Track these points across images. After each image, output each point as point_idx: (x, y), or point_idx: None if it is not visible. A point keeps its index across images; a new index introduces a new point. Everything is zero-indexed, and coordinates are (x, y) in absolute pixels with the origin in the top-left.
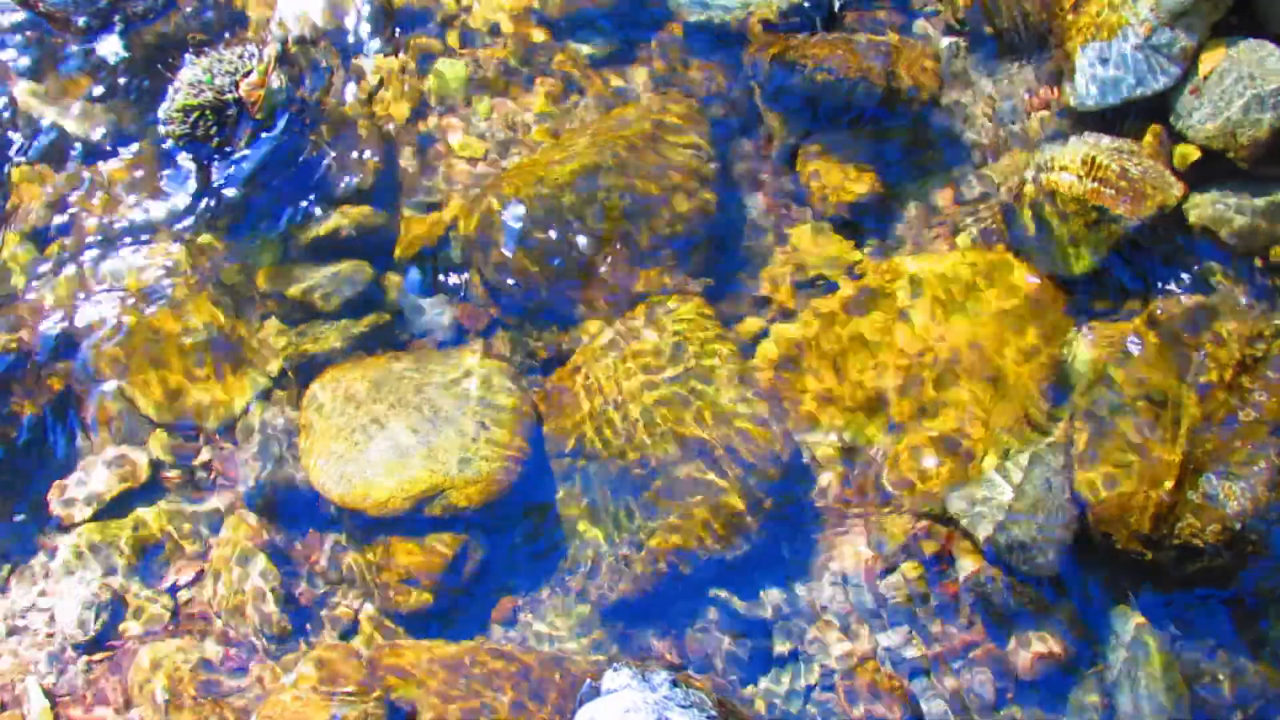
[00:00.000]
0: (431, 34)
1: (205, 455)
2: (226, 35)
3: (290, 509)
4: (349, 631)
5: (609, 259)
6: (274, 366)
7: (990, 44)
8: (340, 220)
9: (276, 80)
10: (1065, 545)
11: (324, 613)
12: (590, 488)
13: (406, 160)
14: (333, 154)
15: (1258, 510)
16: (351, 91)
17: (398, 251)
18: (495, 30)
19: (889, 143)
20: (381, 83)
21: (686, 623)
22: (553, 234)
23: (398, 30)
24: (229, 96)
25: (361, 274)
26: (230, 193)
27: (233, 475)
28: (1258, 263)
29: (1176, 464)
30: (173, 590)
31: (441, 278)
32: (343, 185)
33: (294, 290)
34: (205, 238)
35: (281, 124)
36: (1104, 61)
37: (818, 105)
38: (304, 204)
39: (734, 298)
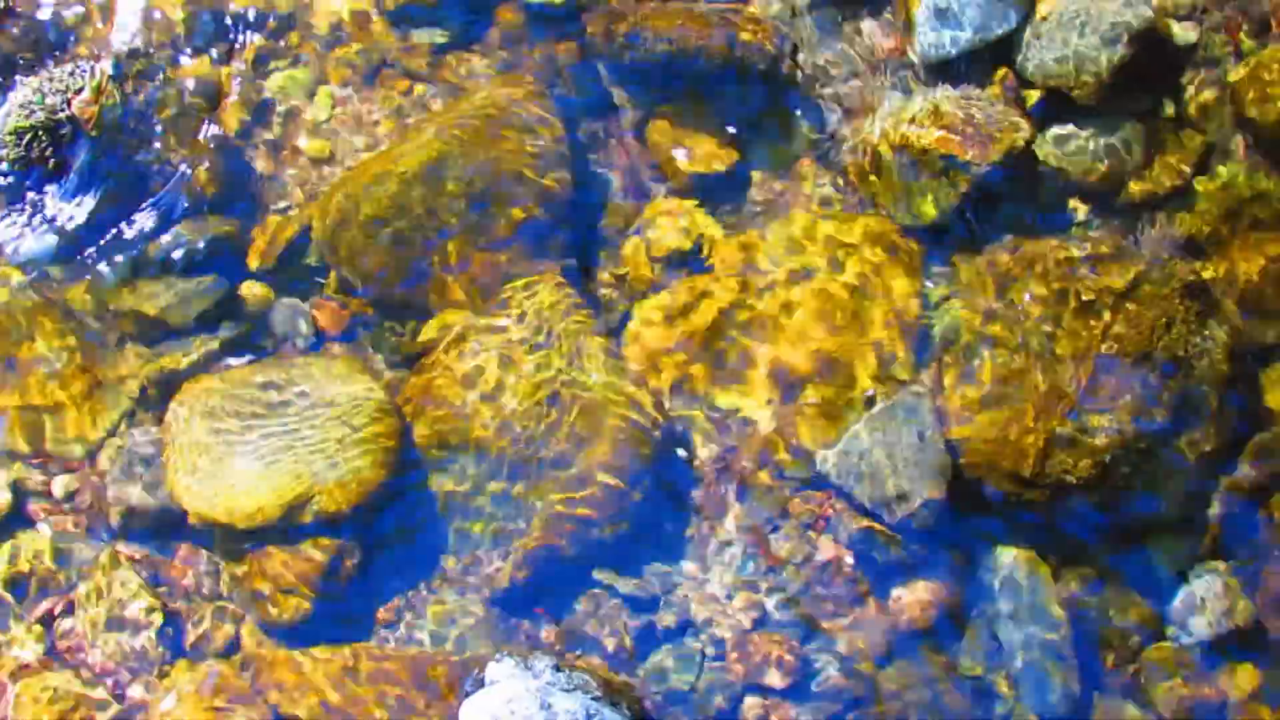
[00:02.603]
0: (270, 36)
1: (69, 483)
2: (57, 53)
3: (160, 530)
4: (230, 647)
5: (465, 248)
6: (133, 387)
7: (836, 1)
8: (189, 232)
9: (110, 96)
10: (941, 493)
11: (203, 631)
12: (463, 480)
13: (253, 166)
14: (176, 166)
15: (1126, 442)
16: (191, 101)
17: (252, 259)
18: (335, 27)
19: (738, 108)
20: (222, 89)
21: (572, 606)
22: (406, 228)
23: (235, 35)
24: (62, 115)
25: (216, 285)
26: (72, 214)
27: (99, 500)
28: (1110, 197)
29: (1044, 403)
30: (45, 622)
31: (298, 282)
32: (189, 196)
33: (147, 308)
34: (50, 262)
35: (119, 140)
36: (943, 10)
37: (663, 77)
38: (150, 219)
39: (595, 277)
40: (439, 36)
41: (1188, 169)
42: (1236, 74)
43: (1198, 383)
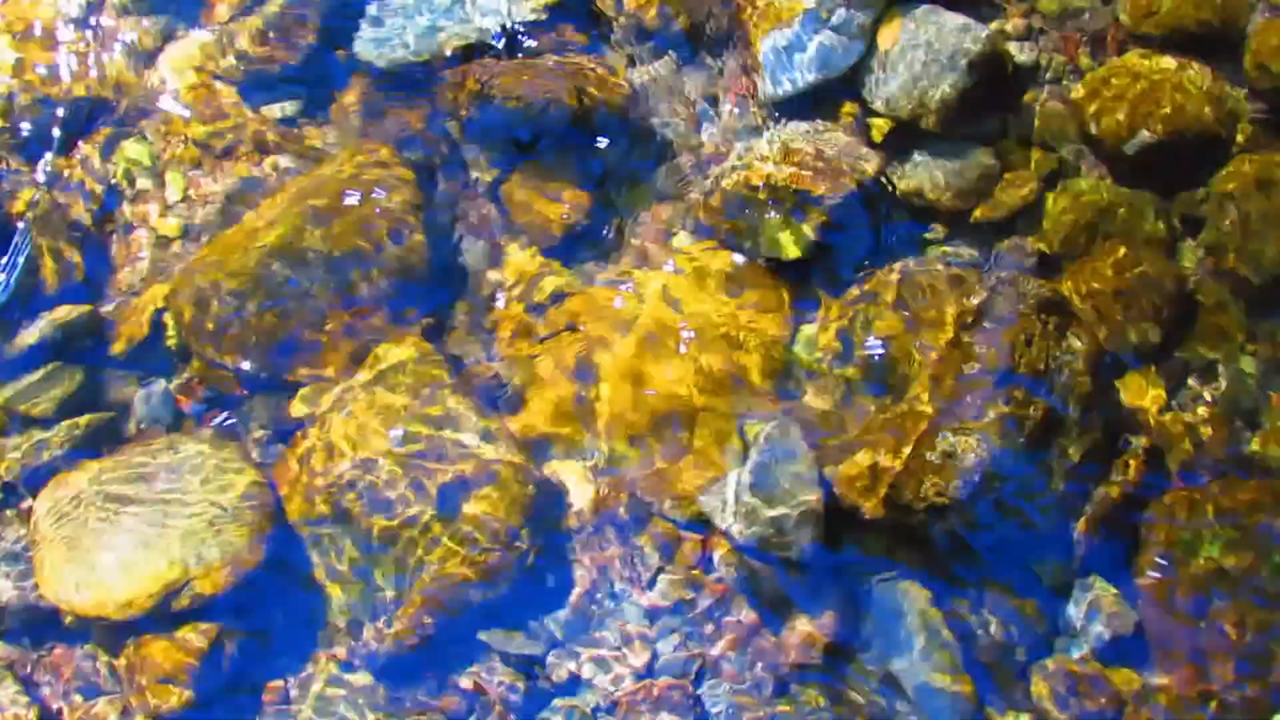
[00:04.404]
0: (115, 120)
1: None
2: None
3: (33, 628)
4: None
5: (327, 319)
6: None
7: (681, 46)
8: (44, 324)
9: None
10: (819, 525)
11: None
12: (342, 553)
13: (108, 250)
14: (27, 255)
15: (994, 459)
16: (38, 190)
17: (112, 346)
18: (182, 105)
19: (591, 160)
20: (70, 176)
21: (459, 671)
22: (266, 303)
23: (80, 120)
24: None
25: (74, 375)
26: None
27: None
28: (964, 219)
29: (912, 427)
30: None
31: (161, 364)
32: (43, 286)
33: (6, 401)
34: None
35: None
36: (787, 49)
37: (514, 134)
38: (3, 311)
39: (460, 338)
40: (288, 107)
41: (1037, 186)
42: (1077, 92)
43: (1061, 396)
